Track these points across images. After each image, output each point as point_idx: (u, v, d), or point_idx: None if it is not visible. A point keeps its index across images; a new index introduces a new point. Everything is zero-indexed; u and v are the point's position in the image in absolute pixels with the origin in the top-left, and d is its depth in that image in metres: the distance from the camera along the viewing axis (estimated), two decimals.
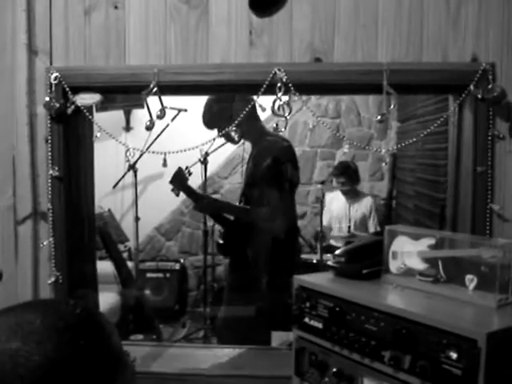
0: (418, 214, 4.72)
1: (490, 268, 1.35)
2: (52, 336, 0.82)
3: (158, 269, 5.41)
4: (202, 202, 3.16)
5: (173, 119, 4.19)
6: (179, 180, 2.99)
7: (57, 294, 1.90)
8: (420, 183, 4.65)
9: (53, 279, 1.90)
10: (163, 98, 1.82)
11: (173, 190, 3.03)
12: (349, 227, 5.05)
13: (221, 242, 3.29)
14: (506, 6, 1.75)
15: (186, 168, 3.01)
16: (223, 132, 1.96)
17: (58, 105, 1.82)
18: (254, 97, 1.82)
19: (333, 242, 4.97)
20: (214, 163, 5.19)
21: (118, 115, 5.36)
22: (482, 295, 1.36)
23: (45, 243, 1.92)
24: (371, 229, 5.12)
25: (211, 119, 2.94)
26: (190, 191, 3.08)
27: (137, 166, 4.68)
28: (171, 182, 3.00)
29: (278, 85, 1.74)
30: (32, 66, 1.90)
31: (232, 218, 3.15)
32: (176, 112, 4.26)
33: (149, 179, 5.20)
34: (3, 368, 0.78)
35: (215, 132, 2.92)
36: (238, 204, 3.16)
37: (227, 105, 2.75)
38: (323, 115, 5.77)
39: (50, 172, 1.87)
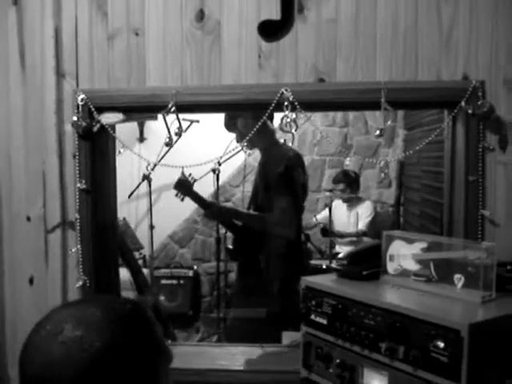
0: (423, 219, 4.83)
1: (476, 268, 1.50)
2: (109, 326, 0.98)
3: (172, 275, 5.51)
4: (212, 209, 3.24)
5: (185, 130, 4.32)
6: (183, 186, 3.09)
7: (84, 297, 2.03)
8: (425, 190, 4.77)
9: (80, 283, 2.04)
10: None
11: (176, 195, 3.16)
12: (357, 232, 5.19)
13: (230, 247, 3.41)
14: (494, 29, 1.87)
15: (190, 174, 3.14)
16: (243, 143, 2.12)
17: (84, 124, 1.96)
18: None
19: (338, 249, 5.10)
20: (225, 172, 5.29)
21: (131, 126, 5.49)
22: (468, 292, 1.51)
23: (73, 250, 2.05)
24: (359, 226, 5.23)
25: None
26: (196, 197, 3.17)
27: (151, 175, 4.81)
28: (175, 187, 3.11)
29: (285, 103, 1.88)
30: (60, 88, 2.05)
31: (240, 223, 3.28)
32: (188, 123, 4.40)
33: (162, 188, 5.31)
34: (71, 352, 0.94)
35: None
36: (247, 210, 3.29)
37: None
38: (331, 124, 5.90)
39: (78, 185, 2.01)
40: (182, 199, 3.17)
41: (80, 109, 1.99)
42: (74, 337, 0.95)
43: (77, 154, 2.02)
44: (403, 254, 1.68)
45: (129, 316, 1.04)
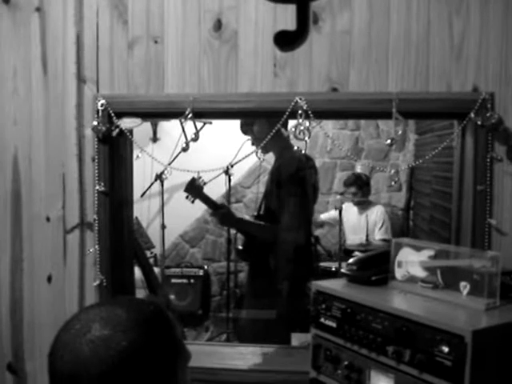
0: (433, 224, 4.85)
1: (481, 276, 1.55)
2: (134, 326, 1.05)
3: (182, 275, 5.53)
4: (220, 213, 3.28)
5: (198, 131, 4.37)
6: (194, 189, 3.14)
7: (101, 295, 2.10)
8: (435, 195, 4.78)
9: (98, 282, 2.09)
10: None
11: (187, 197, 3.21)
12: (367, 236, 5.23)
13: (240, 247, 3.47)
14: (504, 41, 1.91)
15: (200, 177, 3.17)
16: (258, 149, 2.20)
17: (104, 128, 2.02)
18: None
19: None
20: (237, 173, 5.31)
21: (144, 126, 5.53)
22: (473, 299, 1.56)
23: (91, 250, 2.11)
24: (377, 236, 5.27)
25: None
26: (206, 200, 3.23)
27: (163, 175, 4.85)
28: (186, 190, 3.17)
29: (299, 112, 1.92)
30: (81, 93, 2.11)
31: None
32: (202, 124, 4.44)
33: (174, 188, 5.36)
34: (98, 350, 1.01)
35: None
36: (256, 212, 3.34)
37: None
38: (343, 128, 5.93)
39: (97, 187, 2.06)
40: (193, 201, 3.24)
41: (100, 114, 2.04)
42: (102, 336, 1.02)
43: (96, 157, 2.08)
44: (411, 260, 1.73)
45: (152, 317, 1.11)
